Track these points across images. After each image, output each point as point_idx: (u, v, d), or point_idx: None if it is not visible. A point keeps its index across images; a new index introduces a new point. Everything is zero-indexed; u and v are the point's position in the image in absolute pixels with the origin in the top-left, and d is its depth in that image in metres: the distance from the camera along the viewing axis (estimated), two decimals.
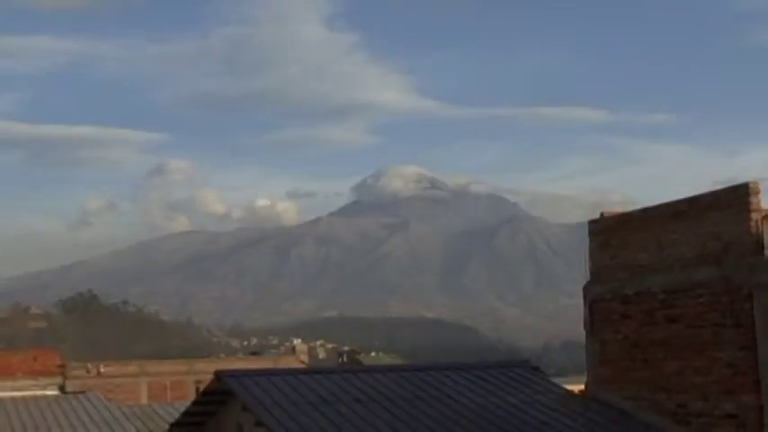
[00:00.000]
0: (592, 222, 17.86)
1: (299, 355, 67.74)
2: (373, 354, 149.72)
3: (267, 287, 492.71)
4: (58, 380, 39.96)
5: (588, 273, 17.80)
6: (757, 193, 14.48)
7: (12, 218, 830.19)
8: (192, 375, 49.66)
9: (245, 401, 16.34)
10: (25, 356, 42.04)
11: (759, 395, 14.09)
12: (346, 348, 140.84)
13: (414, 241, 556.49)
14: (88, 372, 48.45)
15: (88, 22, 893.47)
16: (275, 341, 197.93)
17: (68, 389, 38.38)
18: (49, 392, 35.29)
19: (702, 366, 15.05)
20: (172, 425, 20.82)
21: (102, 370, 49.57)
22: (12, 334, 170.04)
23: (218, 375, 17.76)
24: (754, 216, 14.40)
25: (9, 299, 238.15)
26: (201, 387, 20.93)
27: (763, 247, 14.32)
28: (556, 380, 20.22)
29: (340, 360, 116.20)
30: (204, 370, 45.99)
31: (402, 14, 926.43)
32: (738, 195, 14.61)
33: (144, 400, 44.92)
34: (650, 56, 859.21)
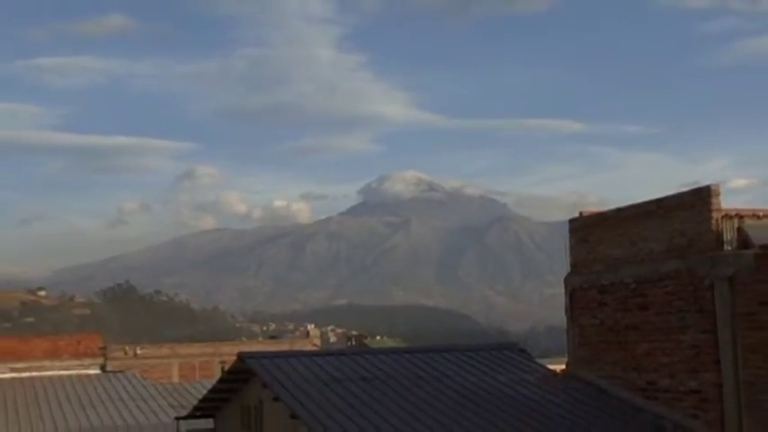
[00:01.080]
0: (572, 221, 17.86)
1: (312, 338, 67.77)
2: (378, 338, 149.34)
3: (284, 278, 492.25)
4: (100, 360, 39.87)
5: (569, 265, 17.81)
6: (717, 195, 14.48)
7: (58, 217, 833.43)
8: (218, 357, 49.58)
9: (264, 379, 16.36)
10: (71, 340, 41.97)
11: (719, 373, 14.09)
12: (354, 333, 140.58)
13: (414, 238, 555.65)
14: (126, 353, 48.41)
15: (125, 45, 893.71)
16: (291, 326, 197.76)
17: (109, 368, 38.36)
18: (91, 371, 35.31)
19: (669, 348, 15.05)
20: (200, 400, 20.87)
21: (138, 352, 49.53)
22: (59, 320, 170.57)
23: (241, 357, 17.77)
24: (715, 215, 14.41)
25: (56, 289, 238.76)
26: (226, 367, 20.93)
27: (722, 243, 14.33)
28: (540, 361, 20.21)
29: (348, 343, 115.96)
30: (228, 352, 45.92)
31: (403, 38, 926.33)
32: (701, 197, 14.60)
33: (175, 379, 44.88)
34: (623, 74, 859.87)
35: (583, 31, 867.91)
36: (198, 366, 49.53)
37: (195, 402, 21.69)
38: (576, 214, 17.88)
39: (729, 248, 14.25)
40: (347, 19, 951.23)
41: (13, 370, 33.94)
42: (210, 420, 21.03)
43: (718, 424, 14.08)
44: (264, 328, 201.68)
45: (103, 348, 43.10)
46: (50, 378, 31.25)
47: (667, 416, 14.91)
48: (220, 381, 19.76)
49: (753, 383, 13.59)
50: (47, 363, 35.79)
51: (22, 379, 31.23)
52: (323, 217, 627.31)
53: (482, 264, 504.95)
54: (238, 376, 18.42)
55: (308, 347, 49.80)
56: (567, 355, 18.12)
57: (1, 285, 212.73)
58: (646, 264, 15.57)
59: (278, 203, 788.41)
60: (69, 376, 31.99)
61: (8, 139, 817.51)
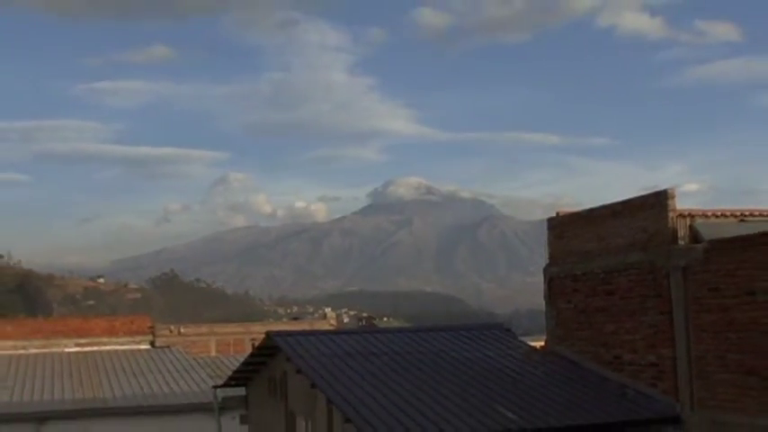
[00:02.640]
0: (550, 219, 17.84)
1: (329, 319, 67.72)
2: (385, 319, 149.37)
3: (305, 269, 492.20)
4: (149, 338, 40.08)
5: (547, 257, 17.80)
6: (673, 197, 14.46)
7: (114, 216, 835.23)
8: (249, 335, 49.50)
9: (288, 354, 16.39)
10: (125, 320, 42.16)
11: (674, 349, 14.08)
12: (365, 315, 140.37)
13: (415, 234, 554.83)
14: (171, 332, 48.38)
15: (169, 71, 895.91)
16: (311, 309, 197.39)
17: (157, 344, 38.51)
18: (142, 347, 35.51)
19: (632, 327, 15.04)
20: (234, 372, 20.93)
21: (182, 330, 49.50)
22: (115, 303, 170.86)
23: (269, 335, 17.82)
24: (671, 215, 14.39)
25: (113, 277, 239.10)
26: (256, 344, 20.99)
27: (677, 238, 14.32)
28: (523, 338, 20.18)
29: (360, 324, 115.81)
30: (258, 331, 45.87)
31: (406, 64, 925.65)
32: (660, 199, 14.58)
33: (213, 353, 44.86)
34: (593, 95, 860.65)
35: (558, 58, 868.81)
36: (232, 343, 49.50)
37: (230, 373, 21.74)
38: (554, 214, 17.84)
39: (683, 243, 14.24)
40: (358, 48, 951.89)
41: (77, 345, 34.29)
42: (243, 389, 21.11)
43: (673, 392, 14.08)
44: (288, 311, 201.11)
45: (152, 327, 43.23)
46: (108, 352, 31.47)
47: (630, 385, 14.91)
48: (251, 355, 19.82)
49: (702, 357, 13.59)
50: (105, 339, 36.08)
51: (84, 352, 31.49)
52: (337, 216, 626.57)
53: (473, 256, 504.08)
54: (266, 351, 18.48)
55: (326, 327, 49.78)
56: (545, 333, 18.13)
57: (67, 273, 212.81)
58: (613, 256, 15.56)
59: (299, 204, 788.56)
60: (124, 351, 32.19)
61: (73, 150, 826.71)
